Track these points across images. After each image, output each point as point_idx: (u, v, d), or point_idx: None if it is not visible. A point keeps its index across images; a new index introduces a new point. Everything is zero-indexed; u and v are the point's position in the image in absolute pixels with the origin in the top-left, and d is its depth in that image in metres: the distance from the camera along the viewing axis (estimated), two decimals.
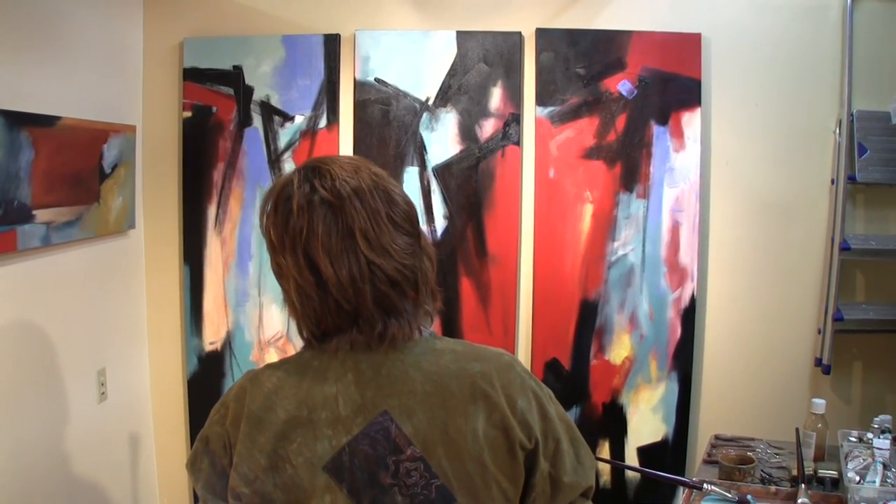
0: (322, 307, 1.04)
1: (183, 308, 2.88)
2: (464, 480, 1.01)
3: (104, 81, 2.62)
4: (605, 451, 2.75)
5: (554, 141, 2.67)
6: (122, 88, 2.74)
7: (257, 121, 2.78)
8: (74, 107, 2.39)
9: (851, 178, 2.49)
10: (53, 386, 2.38)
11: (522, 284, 2.76)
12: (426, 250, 1.11)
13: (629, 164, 2.66)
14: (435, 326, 1.17)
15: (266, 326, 2.84)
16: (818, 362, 2.59)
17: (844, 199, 2.50)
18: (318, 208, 1.03)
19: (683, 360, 2.68)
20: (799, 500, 1.81)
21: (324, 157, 1.12)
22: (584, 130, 2.66)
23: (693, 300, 2.66)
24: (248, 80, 2.77)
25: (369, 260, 1.03)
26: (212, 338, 2.86)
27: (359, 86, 2.73)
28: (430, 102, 2.72)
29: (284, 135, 2.77)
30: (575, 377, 2.73)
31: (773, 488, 1.92)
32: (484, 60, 2.69)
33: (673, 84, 2.62)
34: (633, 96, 2.64)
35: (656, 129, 2.64)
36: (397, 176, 2.67)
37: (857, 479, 1.84)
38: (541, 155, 2.69)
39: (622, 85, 2.64)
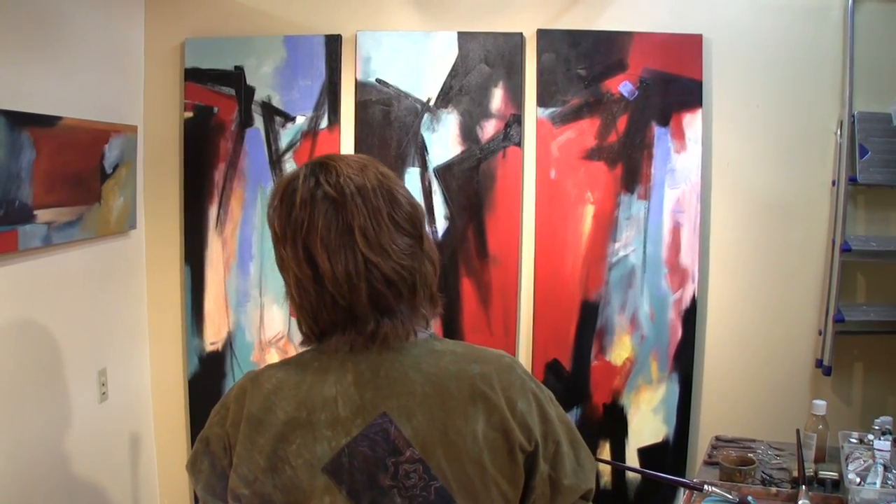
0: (318, 301, 1.05)
1: (184, 308, 2.88)
2: (463, 482, 1.01)
3: (105, 81, 2.62)
4: (605, 452, 2.74)
5: (555, 142, 2.67)
6: (123, 89, 2.74)
7: (258, 121, 2.78)
8: (76, 107, 2.39)
9: (852, 180, 2.49)
10: (54, 386, 2.38)
11: (523, 285, 2.76)
12: (429, 254, 1.11)
13: (630, 165, 2.66)
14: (436, 327, 1.16)
15: (267, 327, 2.84)
16: (819, 363, 2.59)
17: (845, 201, 2.49)
18: (321, 203, 1.04)
19: (684, 361, 2.68)
20: (799, 502, 1.81)
21: (333, 155, 1.14)
22: (586, 131, 2.66)
23: (694, 301, 2.66)
24: (250, 81, 2.77)
25: (366, 257, 1.03)
26: (213, 338, 2.86)
27: (360, 86, 2.73)
28: (432, 103, 2.72)
29: (286, 135, 2.78)
30: (576, 378, 2.73)
31: (773, 489, 1.92)
32: (485, 61, 2.69)
33: (674, 85, 2.62)
34: (634, 97, 2.64)
35: (657, 130, 2.64)
36: (398, 177, 2.66)
37: (858, 480, 1.83)
38: (542, 156, 2.69)
39: (623, 86, 2.64)
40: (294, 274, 1.06)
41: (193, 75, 2.79)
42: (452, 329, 2.73)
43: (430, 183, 2.73)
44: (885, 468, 1.87)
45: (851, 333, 2.55)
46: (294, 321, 1.12)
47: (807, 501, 1.81)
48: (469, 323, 2.74)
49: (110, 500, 2.66)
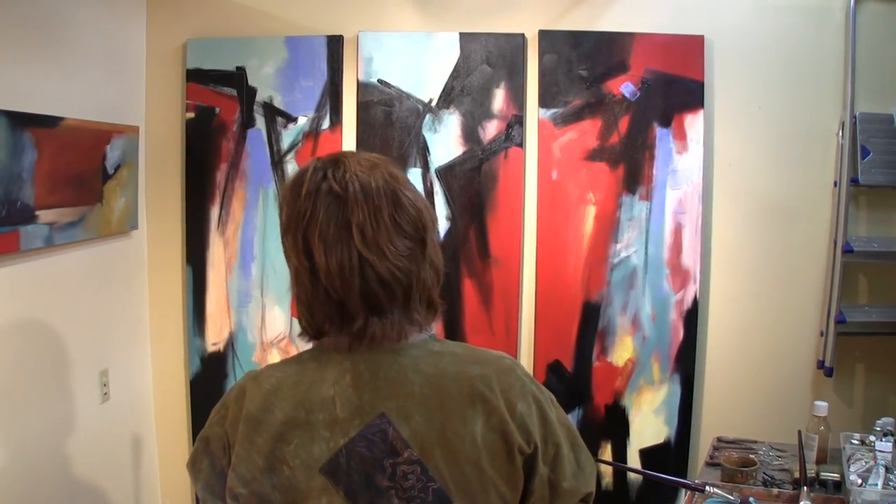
0: (313, 294, 1.06)
1: (185, 309, 2.88)
2: (461, 484, 1.01)
3: (107, 82, 2.63)
4: (607, 452, 2.74)
5: (557, 143, 2.67)
6: (125, 89, 2.75)
7: (260, 122, 2.78)
8: (77, 107, 2.40)
9: (854, 181, 2.49)
10: (56, 386, 2.38)
11: (525, 286, 2.76)
12: (431, 259, 1.10)
13: (632, 165, 2.66)
14: (437, 328, 1.16)
15: (268, 327, 2.84)
16: (820, 364, 2.58)
17: (847, 202, 2.49)
18: (324, 197, 1.05)
19: (686, 362, 2.68)
20: (801, 503, 1.81)
21: (346, 151, 1.16)
22: (587, 132, 2.66)
23: (695, 302, 2.66)
24: (251, 82, 2.78)
25: (361, 254, 1.03)
26: (214, 339, 2.87)
27: (362, 87, 2.73)
28: (433, 104, 2.72)
29: (287, 136, 2.78)
30: (577, 379, 2.72)
31: (775, 491, 1.92)
32: (487, 62, 2.69)
33: (676, 86, 2.62)
34: (635, 98, 2.64)
35: (659, 131, 2.64)
36: None
37: (860, 481, 1.83)
38: (543, 157, 2.68)
39: (625, 87, 2.64)
40: (294, 265, 1.08)
41: (195, 76, 2.79)
42: (454, 330, 2.73)
43: (431, 184, 2.73)
44: (887, 469, 1.87)
45: (853, 334, 2.55)
46: (295, 322, 1.13)
47: (808, 503, 1.80)
48: (471, 324, 2.74)
49: (112, 501, 2.66)
